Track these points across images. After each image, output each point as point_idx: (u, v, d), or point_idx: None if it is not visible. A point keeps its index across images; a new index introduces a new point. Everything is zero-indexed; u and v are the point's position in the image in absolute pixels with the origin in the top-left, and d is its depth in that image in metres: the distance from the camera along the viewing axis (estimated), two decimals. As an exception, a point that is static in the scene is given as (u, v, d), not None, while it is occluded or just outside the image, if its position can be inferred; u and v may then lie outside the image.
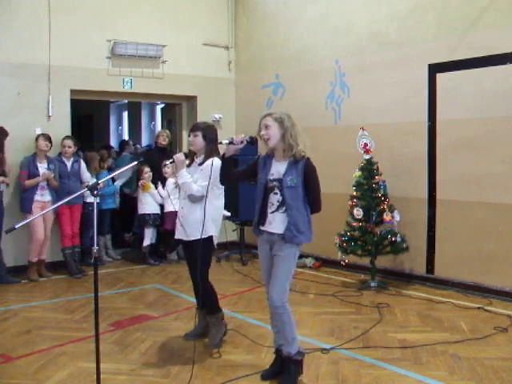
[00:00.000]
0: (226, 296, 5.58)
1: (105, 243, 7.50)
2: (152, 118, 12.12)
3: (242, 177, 3.94)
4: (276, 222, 3.52)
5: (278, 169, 3.53)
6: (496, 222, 5.48)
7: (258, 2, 8.09)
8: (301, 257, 6.72)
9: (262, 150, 4.03)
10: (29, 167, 6.26)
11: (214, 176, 3.92)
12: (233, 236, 7.70)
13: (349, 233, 6.03)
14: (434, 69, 5.91)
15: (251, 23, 8.22)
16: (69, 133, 6.94)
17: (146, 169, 7.18)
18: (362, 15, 6.63)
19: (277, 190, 3.51)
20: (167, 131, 7.70)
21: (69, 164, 6.62)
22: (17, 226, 3.01)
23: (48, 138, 6.42)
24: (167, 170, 6.82)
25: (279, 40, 7.72)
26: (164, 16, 7.71)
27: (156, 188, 7.18)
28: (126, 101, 11.29)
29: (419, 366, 3.82)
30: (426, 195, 6.06)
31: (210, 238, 4.14)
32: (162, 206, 7.26)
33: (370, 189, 5.95)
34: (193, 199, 4.12)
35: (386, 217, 5.85)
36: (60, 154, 6.64)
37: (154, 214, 7.23)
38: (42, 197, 6.34)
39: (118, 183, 7.56)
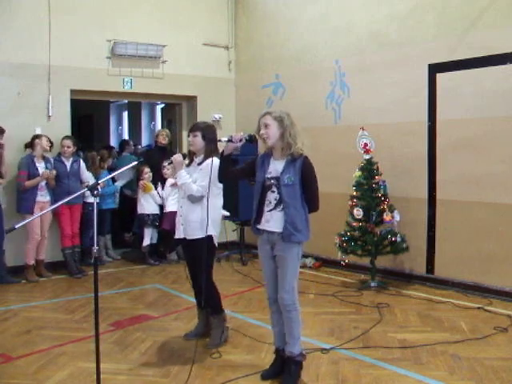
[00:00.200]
0: (226, 296, 5.56)
1: (105, 243, 7.50)
2: (152, 117, 12.12)
3: (241, 175, 3.94)
4: (274, 221, 3.51)
5: (275, 167, 3.53)
6: (496, 222, 5.47)
7: (258, 2, 8.09)
8: (301, 257, 6.71)
9: (261, 149, 4.03)
10: (28, 168, 6.25)
11: (214, 175, 3.93)
12: (233, 236, 7.70)
13: (349, 233, 6.03)
14: (434, 69, 5.91)
15: (251, 23, 8.22)
16: (69, 133, 6.95)
17: (146, 169, 7.17)
18: (362, 15, 6.63)
19: (274, 188, 3.51)
20: (167, 130, 7.70)
21: (68, 164, 6.62)
22: (17, 226, 3.01)
23: (48, 139, 6.44)
24: (167, 170, 6.82)
25: (279, 40, 7.72)
26: (164, 16, 7.71)
27: (156, 188, 7.18)
28: (126, 101, 11.29)
29: (419, 366, 3.82)
30: (426, 195, 6.06)
31: (210, 237, 4.14)
32: (161, 207, 7.26)
33: (369, 189, 5.95)
34: (192, 199, 4.12)
35: (386, 217, 5.85)
36: (59, 154, 6.65)
37: (153, 214, 7.23)
38: (42, 197, 6.35)
39: (119, 184, 7.56)
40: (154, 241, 7.36)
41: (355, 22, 6.71)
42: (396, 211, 5.91)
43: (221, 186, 4.15)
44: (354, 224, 6.01)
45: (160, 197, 7.16)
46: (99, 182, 3.33)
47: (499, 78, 5.36)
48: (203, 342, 4.24)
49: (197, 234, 4.10)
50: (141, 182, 7.20)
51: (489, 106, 5.47)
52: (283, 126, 3.47)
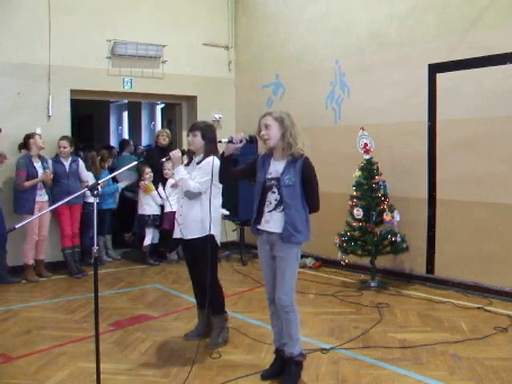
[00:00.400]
0: (225, 296, 5.53)
1: (105, 243, 7.50)
2: (152, 117, 12.12)
3: (241, 176, 3.93)
4: (274, 221, 3.51)
5: (276, 168, 3.53)
6: (496, 222, 5.47)
7: (258, 2, 8.09)
8: (301, 257, 6.70)
9: (262, 149, 4.03)
10: (27, 168, 6.23)
11: (214, 174, 3.93)
12: (233, 236, 7.71)
13: (349, 233, 6.03)
14: (434, 69, 5.91)
15: (251, 23, 8.22)
16: (69, 133, 6.94)
17: (147, 169, 7.17)
18: (362, 15, 6.63)
19: (275, 189, 3.50)
20: (167, 130, 7.67)
21: (67, 164, 6.60)
22: (17, 226, 3.01)
23: (40, 136, 6.41)
24: (168, 171, 6.81)
25: (279, 40, 7.72)
26: (164, 16, 7.71)
27: (157, 189, 7.16)
28: (126, 101, 11.30)
29: (419, 366, 3.82)
30: (426, 195, 6.06)
31: (213, 237, 4.13)
32: (162, 207, 7.25)
33: (370, 189, 5.95)
34: (190, 195, 4.11)
35: (386, 217, 5.85)
36: (57, 155, 6.63)
37: (153, 214, 7.23)
38: (41, 196, 6.35)
39: (122, 185, 7.56)
40: (155, 240, 7.36)
41: (355, 21, 6.71)
42: (396, 211, 5.91)
43: (220, 185, 4.15)
44: (354, 224, 6.01)
45: (161, 197, 7.15)
46: (99, 181, 3.33)
47: (499, 78, 5.36)
48: (203, 342, 4.24)
49: (195, 233, 4.10)
50: (141, 183, 7.20)
51: (489, 106, 5.47)
52: (284, 127, 3.47)
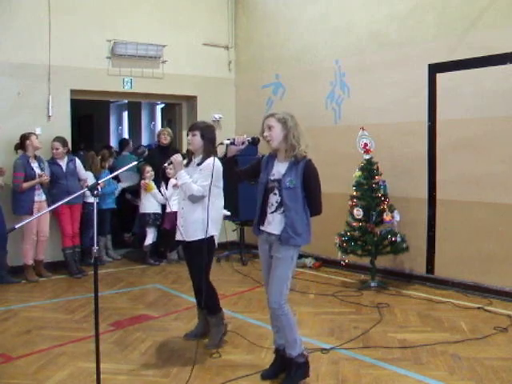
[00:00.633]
0: (226, 296, 5.57)
1: (105, 243, 7.50)
2: (152, 117, 12.12)
3: (245, 176, 3.92)
4: (275, 223, 3.51)
5: (278, 169, 3.52)
6: (496, 222, 5.47)
7: (258, 2, 8.09)
8: (301, 257, 6.73)
9: (262, 150, 4.04)
10: (25, 169, 6.20)
11: (214, 175, 3.92)
12: (233, 236, 7.70)
13: (349, 233, 6.03)
14: (434, 69, 5.91)
15: (251, 23, 8.21)
16: (69, 133, 6.94)
17: (148, 168, 7.17)
18: (362, 15, 6.63)
19: (276, 191, 3.50)
20: (168, 129, 7.64)
21: (63, 164, 6.57)
22: (17, 226, 3.01)
23: (37, 136, 6.38)
24: (170, 170, 6.80)
25: (279, 40, 7.72)
26: (164, 16, 7.71)
27: (158, 188, 7.15)
28: (126, 101, 11.29)
29: (419, 366, 3.82)
30: (426, 195, 6.06)
31: (212, 238, 4.14)
32: (163, 206, 7.24)
33: (369, 189, 5.95)
34: (193, 199, 4.10)
35: (386, 217, 5.85)
36: (52, 156, 6.58)
37: (154, 213, 7.23)
38: (39, 196, 6.33)
39: (123, 185, 7.53)
40: (156, 240, 7.35)
41: (355, 21, 6.71)
42: (396, 211, 5.91)
43: (221, 185, 4.15)
44: (354, 224, 6.01)
45: (162, 195, 7.12)
46: (99, 181, 3.33)
47: (499, 78, 5.36)
48: (203, 342, 4.24)
49: (197, 234, 4.09)
50: (142, 182, 7.20)
51: (489, 106, 5.47)
52: (287, 128, 3.46)
